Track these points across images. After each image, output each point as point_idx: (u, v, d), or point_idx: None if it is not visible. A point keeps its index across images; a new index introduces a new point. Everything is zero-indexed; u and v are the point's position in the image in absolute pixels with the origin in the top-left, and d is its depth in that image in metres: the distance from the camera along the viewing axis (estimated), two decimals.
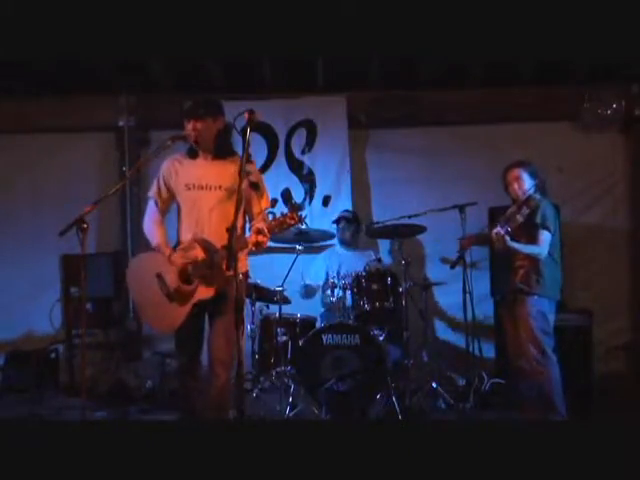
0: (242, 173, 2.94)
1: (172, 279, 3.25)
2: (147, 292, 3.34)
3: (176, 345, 3.48)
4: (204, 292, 3.25)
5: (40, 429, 2.71)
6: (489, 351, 5.25)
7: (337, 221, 5.46)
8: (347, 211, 5.55)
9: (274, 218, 3.15)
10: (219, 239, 3.25)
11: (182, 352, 3.46)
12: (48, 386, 5.38)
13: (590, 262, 5.81)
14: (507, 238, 3.72)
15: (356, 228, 5.43)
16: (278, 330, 4.84)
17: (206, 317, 3.40)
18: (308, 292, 5.34)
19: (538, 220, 3.84)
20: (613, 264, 5.90)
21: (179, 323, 3.27)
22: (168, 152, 3.46)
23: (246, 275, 3.54)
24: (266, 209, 3.44)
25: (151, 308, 3.38)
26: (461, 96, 5.88)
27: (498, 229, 3.73)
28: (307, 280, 5.36)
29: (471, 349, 4.82)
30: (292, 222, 3.10)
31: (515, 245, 3.80)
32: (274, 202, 5.72)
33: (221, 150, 3.40)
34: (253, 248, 3.18)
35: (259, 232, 3.12)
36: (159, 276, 3.29)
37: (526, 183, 3.97)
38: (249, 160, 3.08)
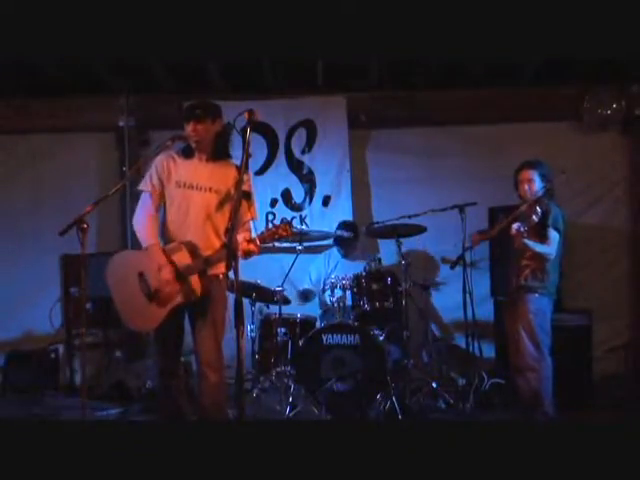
0: (244, 171, 2.95)
1: (154, 279, 3.25)
2: (127, 290, 3.34)
3: (155, 345, 3.49)
4: (183, 297, 3.25)
5: (40, 429, 2.71)
6: (489, 351, 5.24)
7: (336, 239, 5.36)
8: (344, 227, 5.37)
9: (267, 229, 3.16)
10: (204, 241, 3.29)
11: (161, 352, 3.45)
12: (48, 386, 5.37)
13: (590, 262, 5.80)
14: (525, 235, 3.77)
15: (353, 241, 5.33)
16: (278, 330, 4.84)
17: (186, 317, 3.40)
18: (304, 296, 5.34)
19: (549, 222, 3.91)
20: (613, 264, 5.90)
21: (157, 324, 3.28)
22: (168, 152, 3.45)
23: (225, 276, 3.51)
24: (252, 220, 3.44)
25: (129, 306, 3.37)
26: (461, 96, 5.88)
27: (518, 227, 3.76)
28: (301, 286, 5.35)
29: (471, 349, 4.81)
30: (284, 234, 3.12)
31: (530, 244, 3.87)
32: (274, 202, 5.85)
33: (218, 153, 3.41)
34: (243, 256, 3.17)
35: (251, 241, 3.14)
36: (141, 275, 3.29)
37: (537, 185, 4.03)
38: (247, 165, 3.06)
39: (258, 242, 3.14)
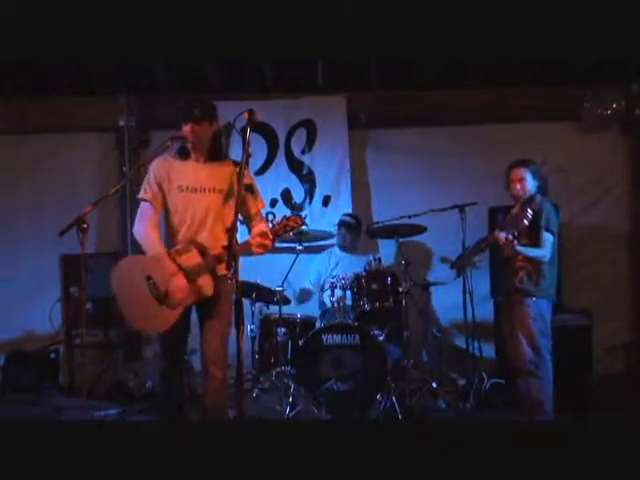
0: (243, 172, 2.94)
1: (163, 282, 3.23)
2: (136, 294, 3.30)
3: (162, 346, 3.47)
4: (193, 298, 3.24)
5: (40, 429, 2.71)
6: (489, 351, 5.24)
7: (340, 225, 5.44)
8: (349, 216, 5.49)
9: (278, 222, 3.13)
10: (215, 241, 3.26)
11: (168, 353, 3.44)
12: (48, 386, 5.37)
13: (590, 262, 5.81)
14: (515, 243, 3.70)
15: (357, 234, 5.40)
16: (278, 330, 4.85)
17: (192, 318, 3.39)
18: (303, 296, 5.36)
19: (542, 223, 3.83)
20: (613, 264, 5.89)
21: (168, 326, 3.25)
22: (166, 152, 3.43)
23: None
24: (262, 209, 3.46)
25: (139, 310, 3.33)
26: (461, 96, 5.88)
27: (506, 235, 3.71)
28: (303, 284, 5.36)
29: (471, 349, 4.81)
30: (296, 225, 3.09)
31: (522, 250, 3.80)
32: (274, 202, 5.85)
33: (215, 153, 3.39)
34: (258, 251, 3.15)
35: (263, 235, 3.11)
36: (150, 278, 3.27)
37: (529, 184, 3.96)
38: (247, 165, 3.05)
39: (271, 236, 3.12)
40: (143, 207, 3.39)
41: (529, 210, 3.66)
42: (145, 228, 3.36)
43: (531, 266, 3.88)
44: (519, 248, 3.77)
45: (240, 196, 2.95)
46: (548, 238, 3.86)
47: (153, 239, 3.33)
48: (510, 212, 4.00)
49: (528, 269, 3.88)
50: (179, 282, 3.19)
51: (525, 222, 3.65)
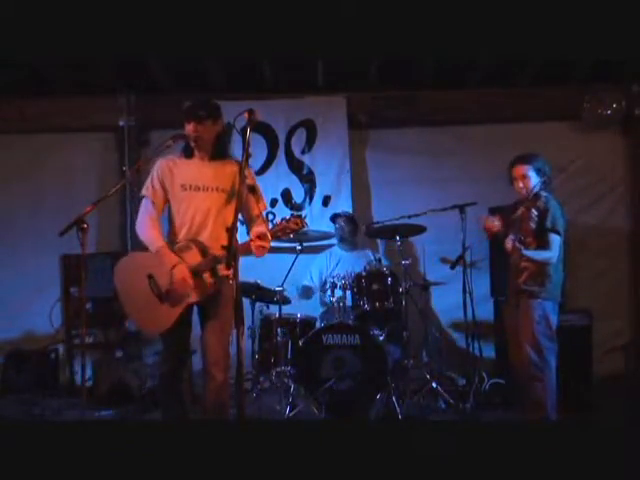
0: (243, 172, 2.94)
1: (165, 280, 3.23)
2: (137, 292, 3.31)
3: (163, 346, 3.45)
4: (198, 294, 3.25)
5: (40, 429, 2.71)
6: (489, 351, 5.24)
7: (335, 218, 5.47)
8: (344, 211, 5.58)
9: (278, 223, 3.12)
10: (216, 241, 3.24)
11: (170, 352, 3.43)
12: (48, 386, 5.38)
13: (590, 262, 5.80)
14: (521, 247, 3.64)
15: (354, 227, 5.43)
16: (278, 330, 4.84)
17: (193, 318, 3.38)
18: (305, 293, 5.37)
19: (548, 224, 3.73)
20: (613, 264, 5.90)
21: (169, 325, 3.24)
22: (168, 152, 3.44)
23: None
24: (263, 211, 3.44)
25: (140, 309, 3.34)
26: (461, 96, 5.89)
27: (513, 240, 3.66)
28: (304, 281, 5.37)
29: (471, 349, 4.81)
30: (296, 227, 3.07)
31: (529, 254, 3.70)
32: (274, 202, 5.85)
33: (219, 153, 3.39)
34: (257, 253, 3.14)
35: (262, 237, 3.10)
36: (150, 277, 3.27)
37: (532, 181, 3.83)
38: (247, 165, 3.04)
39: (269, 237, 3.11)
40: (144, 203, 3.40)
41: (534, 211, 3.59)
42: (146, 224, 3.36)
43: (535, 267, 3.76)
44: (526, 253, 3.69)
45: (242, 196, 2.95)
46: (555, 239, 3.76)
47: (154, 234, 3.32)
48: (515, 212, 3.94)
49: (532, 270, 3.76)
50: (183, 271, 3.18)
51: (531, 225, 3.59)
